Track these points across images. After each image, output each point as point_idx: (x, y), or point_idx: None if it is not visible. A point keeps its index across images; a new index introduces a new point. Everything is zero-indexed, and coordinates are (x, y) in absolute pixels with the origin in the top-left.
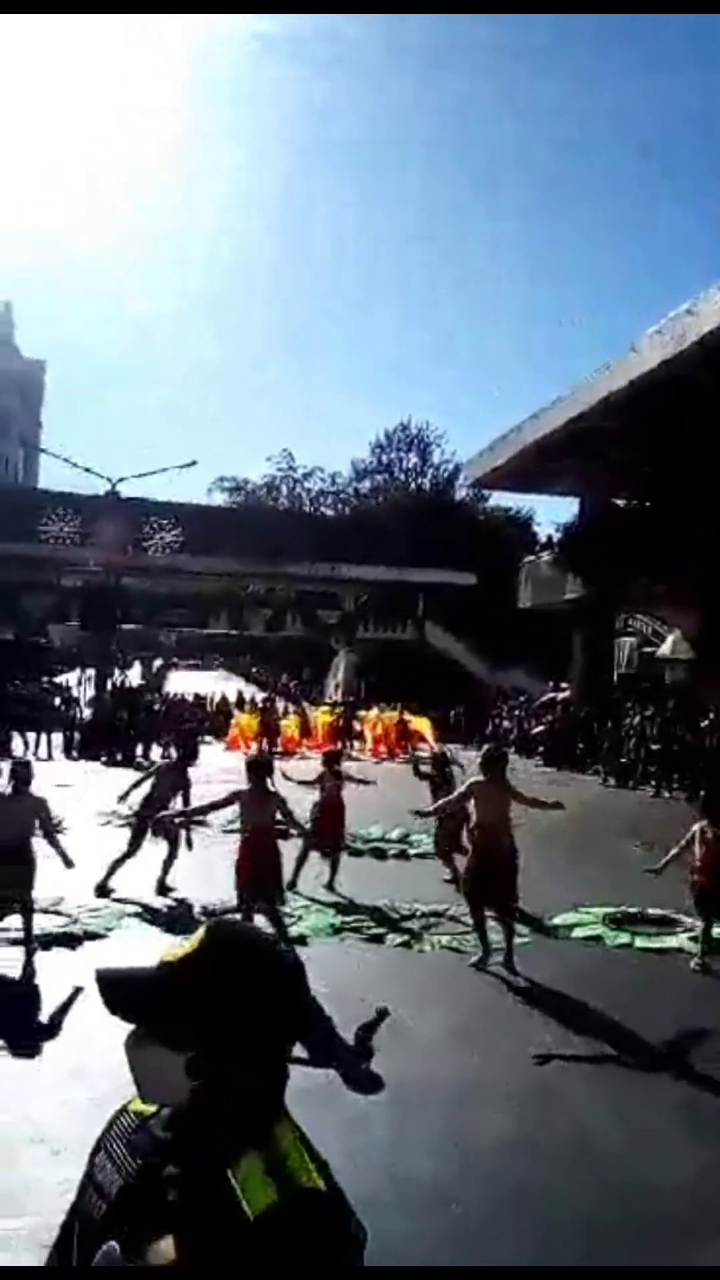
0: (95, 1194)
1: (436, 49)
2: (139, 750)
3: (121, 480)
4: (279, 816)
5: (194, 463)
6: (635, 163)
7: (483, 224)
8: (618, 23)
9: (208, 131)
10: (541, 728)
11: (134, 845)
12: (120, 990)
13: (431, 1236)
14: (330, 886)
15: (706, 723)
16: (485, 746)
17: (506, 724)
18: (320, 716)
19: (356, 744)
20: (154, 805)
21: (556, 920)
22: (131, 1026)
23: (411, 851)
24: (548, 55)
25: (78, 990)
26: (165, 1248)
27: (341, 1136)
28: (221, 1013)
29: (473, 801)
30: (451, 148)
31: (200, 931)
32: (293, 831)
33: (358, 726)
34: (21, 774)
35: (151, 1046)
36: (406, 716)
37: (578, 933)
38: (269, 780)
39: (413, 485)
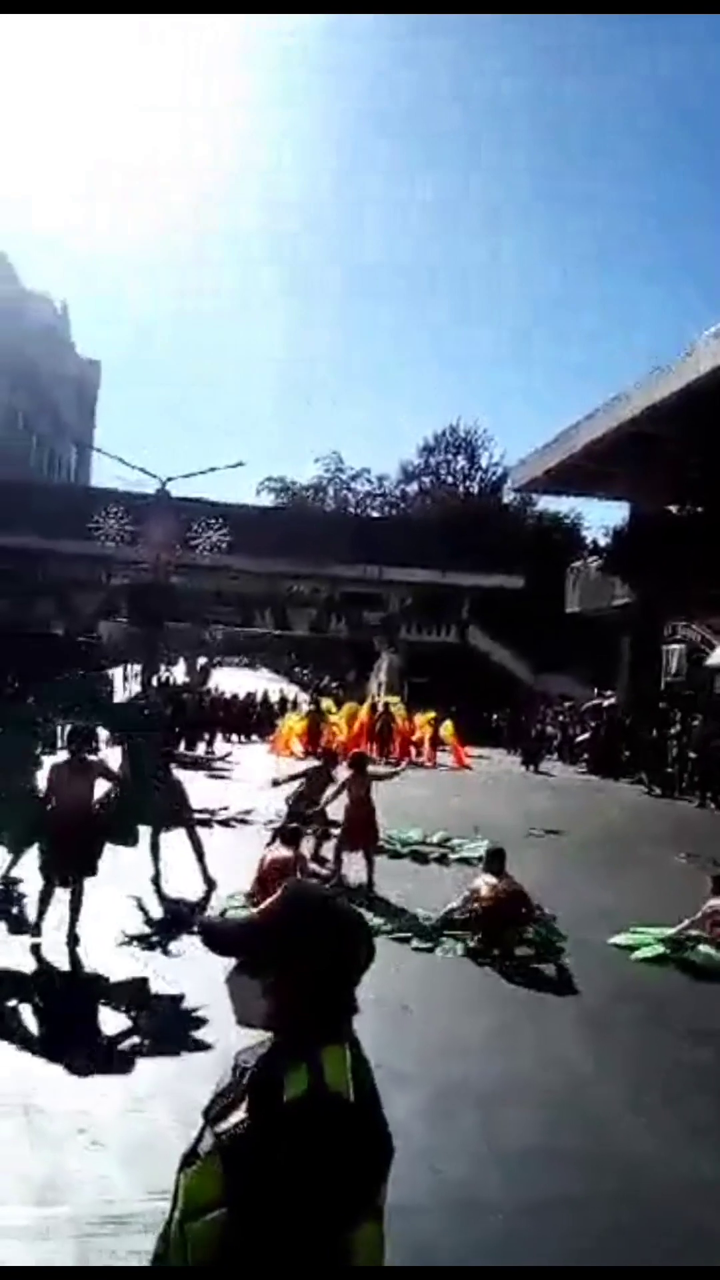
0: (215, 1092)
1: (466, 44)
2: (181, 746)
3: (171, 480)
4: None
5: (241, 463)
6: (694, 161)
7: (542, 219)
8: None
9: (265, 129)
10: (586, 735)
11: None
12: (217, 933)
13: (460, 1242)
14: (368, 887)
15: None
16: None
17: (550, 729)
18: (358, 711)
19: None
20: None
21: (616, 940)
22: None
23: (452, 856)
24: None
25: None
26: (237, 1116)
27: None
28: (292, 948)
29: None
30: (498, 138)
31: (281, 890)
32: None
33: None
34: (85, 737)
35: (241, 977)
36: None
37: (638, 955)
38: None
39: (460, 488)
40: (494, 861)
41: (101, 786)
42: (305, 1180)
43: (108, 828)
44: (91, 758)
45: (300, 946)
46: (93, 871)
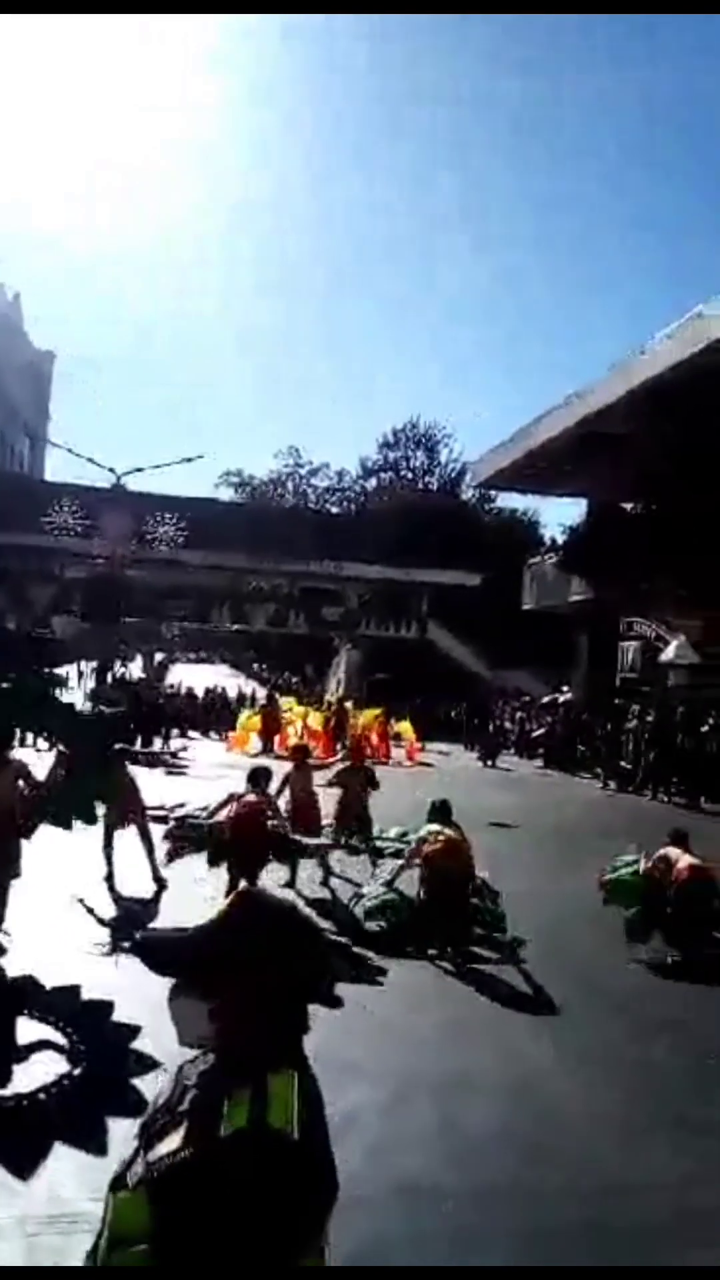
0: (153, 1105)
1: (454, 46)
2: (138, 743)
3: (126, 473)
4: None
5: (200, 456)
6: (648, 163)
7: (495, 221)
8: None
9: (212, 128)
10: (542, 729)
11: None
12: (160, 949)
13: (420, 1234)
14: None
15: (707, 728)
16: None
17: (508, 725)
18: (311, 715)
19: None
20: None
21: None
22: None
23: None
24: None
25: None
26: (173, 1142)
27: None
28: (244, 961)
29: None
30: (459, 142)
31: (232, 896)
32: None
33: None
34: (2, 738)
35: (183, 997)
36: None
37: (610, 876)
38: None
39: (420, 484)
40: (439, 813)
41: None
42: (238, 1225)
43: (30, 827)
44: (12, 756)
45: (254, 959)
46: (14, 873)
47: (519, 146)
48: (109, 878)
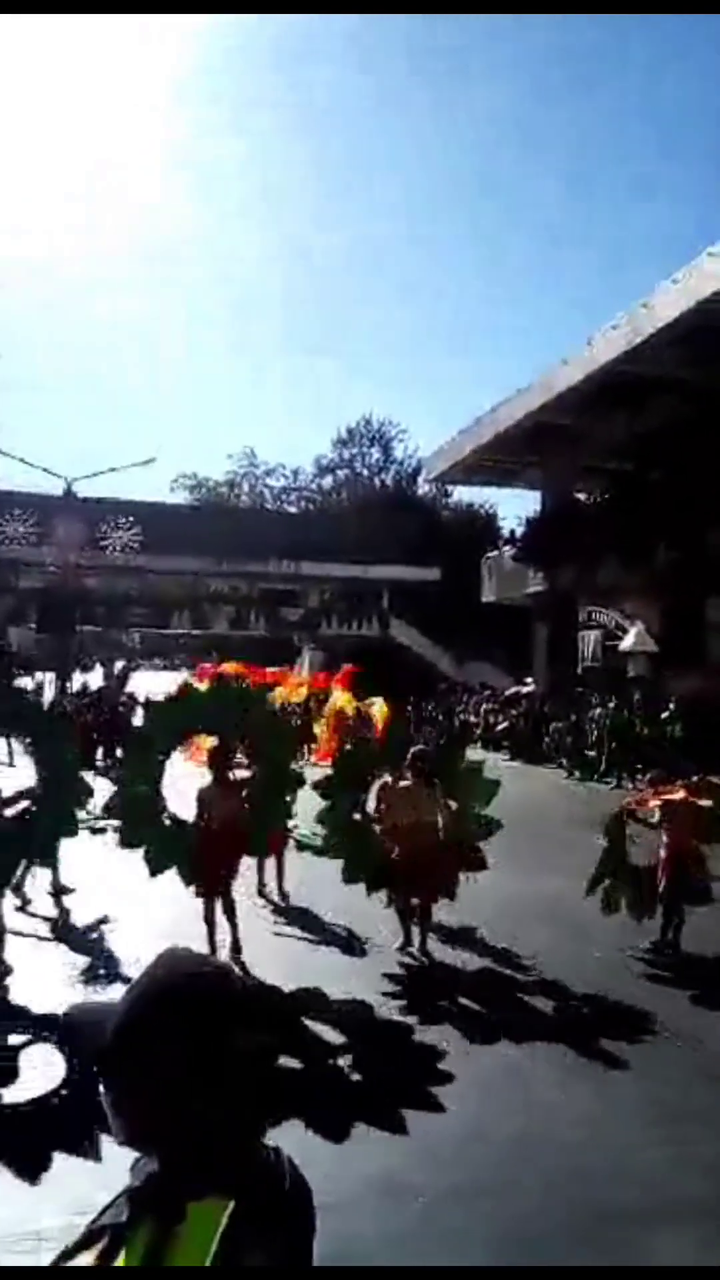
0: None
1: (449, 49)
2: (99, 754)
3: (77, 479)
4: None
5: (152, 460)
6: (593, 159)
7: (451, 224)
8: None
9: (169, 128)
10: (506, 722)
11: None
12: (81, 1032)
13: (395, 1230)
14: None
15: (666, 714)
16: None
17: (472, 718)
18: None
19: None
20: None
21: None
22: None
23: None
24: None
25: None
26: (85, 1257)
27: (300, 1130)
28: (139, 1052)
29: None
30: (443, 151)
31: (143, 980)
32: None
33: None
34: None
35: (109, 1094)
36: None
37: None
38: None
39: (376, 481)
40: (418, 760)
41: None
42: None
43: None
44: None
45: (151, 1050)
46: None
47: (480, 143)
48: (55, 888)
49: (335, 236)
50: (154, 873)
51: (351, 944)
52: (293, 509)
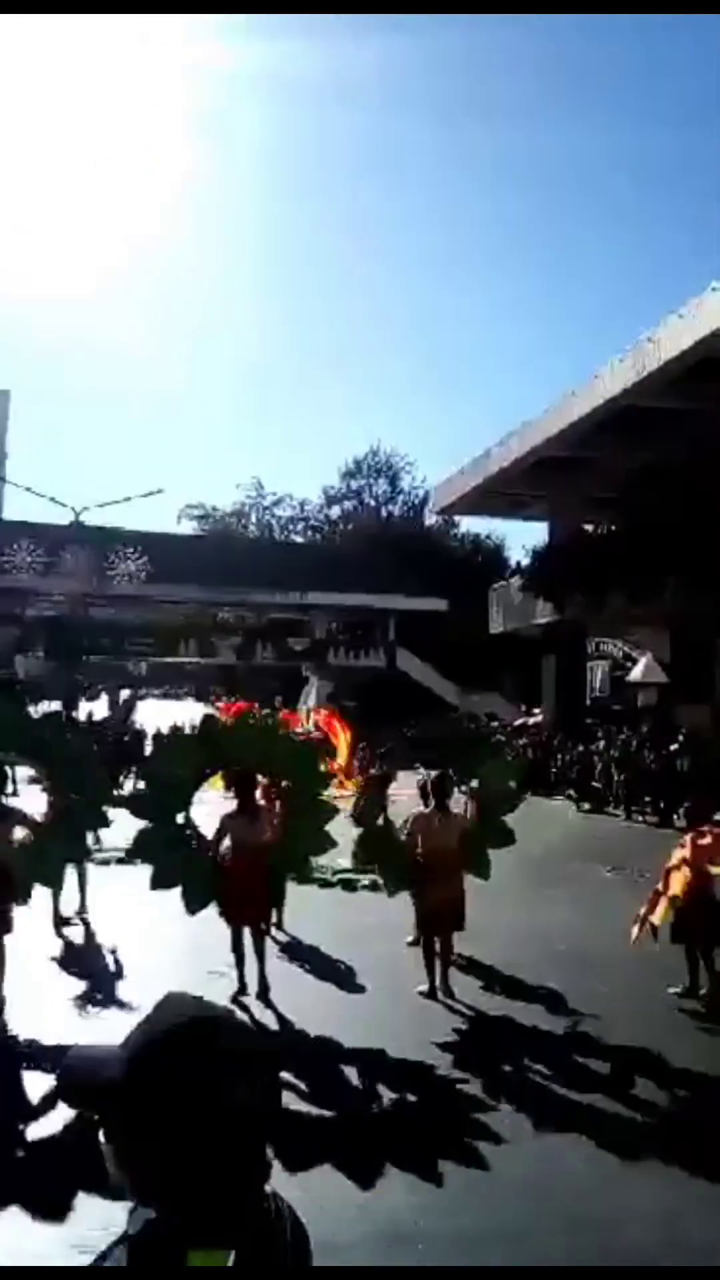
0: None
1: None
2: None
3: (86, 510)
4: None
5: (160, 490)
6: (599, 190)
7: (460, 254)
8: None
9: (173, 162)
10: (513, 753)
11: None
12: (80, 1078)
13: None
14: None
15: (675, 746)
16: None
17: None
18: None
19: None
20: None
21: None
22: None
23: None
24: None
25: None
26: None
27: (302, 1172)
28: (138, 1102)
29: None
30: (450, 181)
31: (145, 1028)
32: None
33: None
34: None
35: (109, 1144)
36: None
37: None
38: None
39: (383, 512)
40: (443, 786)
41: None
42: None
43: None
44: (10, 803)
45: (154, 1101)
46: (7, 929)
47: (476, 180)
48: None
49: (343, 268)
50: (192, 911)
51: (370, 984)
52: (300, 539)
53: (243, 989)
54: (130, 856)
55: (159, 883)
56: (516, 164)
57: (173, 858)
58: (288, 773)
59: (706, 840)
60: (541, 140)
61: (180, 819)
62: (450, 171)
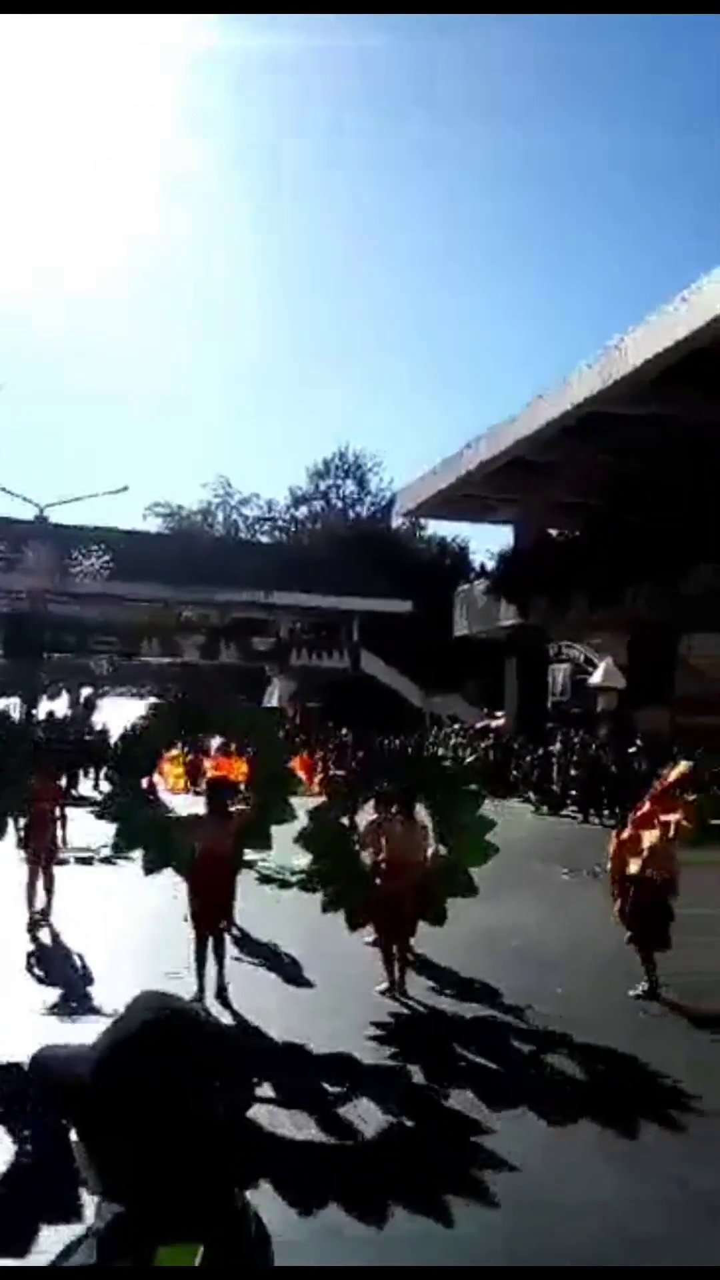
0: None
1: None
2: (62, 782)
3: (50, 505)
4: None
5: (125, 488)
6: (573, 195)
7: (434, 259)
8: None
9: (158, 161)
10: (475, 755)
11: None
12: (52, 1076)
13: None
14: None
15: (633, 749)
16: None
17: (441, 751)
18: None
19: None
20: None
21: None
22: None
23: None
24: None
25: None
26: None
27: (269, 1177)
28: (110, 1095)
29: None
30: (431, 185)
31: (119, 1025)
32: None
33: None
34: None
35: (79, 1142)
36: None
37: None
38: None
39: (350, 513)
40: (410, 797)
41: None
42: None
43: None
44: None
45: (127, 1099)
46: None
47: (476, 180)
48: (33, 924)
49: (320, 269)
50: (148, 873)
51: (329, 982)
52: (266, 539)
53: (201, 992)
54: (100, 813)
55: (118, 847)
56: (516, 164)
57: (138, 815)
58: (253, 740)
59: (645, 808)
60: (541, 140)
61: (145, 783)
62: (450, 171)
